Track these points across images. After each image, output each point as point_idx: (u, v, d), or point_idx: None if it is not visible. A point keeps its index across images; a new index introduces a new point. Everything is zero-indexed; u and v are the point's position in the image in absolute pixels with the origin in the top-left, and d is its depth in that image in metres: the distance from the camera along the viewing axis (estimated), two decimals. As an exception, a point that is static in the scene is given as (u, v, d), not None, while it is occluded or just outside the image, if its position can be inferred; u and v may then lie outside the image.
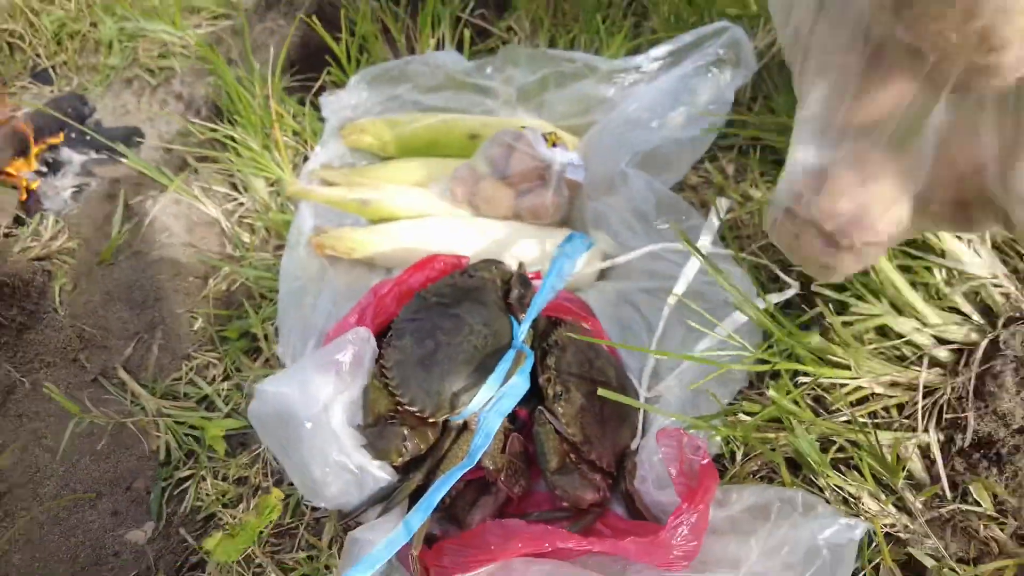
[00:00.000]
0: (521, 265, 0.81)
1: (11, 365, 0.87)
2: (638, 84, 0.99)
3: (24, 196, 1.40)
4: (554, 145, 0.92)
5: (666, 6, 1.28)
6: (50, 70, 1.76)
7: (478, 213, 0.94)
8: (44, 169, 1.51)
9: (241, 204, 1.03)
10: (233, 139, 1.04)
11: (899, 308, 0.70)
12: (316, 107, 1.12)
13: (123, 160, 1.48)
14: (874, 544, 0.61)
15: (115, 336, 0.91)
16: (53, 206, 1.43)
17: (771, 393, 0.65)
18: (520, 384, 0.69)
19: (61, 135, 1.57)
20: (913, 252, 0.71)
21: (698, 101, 0.93)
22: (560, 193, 0.92)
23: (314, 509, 0.73)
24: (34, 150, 1.49)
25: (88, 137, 1.60)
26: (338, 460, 0.63)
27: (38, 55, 1.77)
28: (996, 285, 0.70)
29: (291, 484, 0.73)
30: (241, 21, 1.52)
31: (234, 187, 1.07)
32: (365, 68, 1.07)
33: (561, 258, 0.78)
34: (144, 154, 1.53)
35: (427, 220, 0.93)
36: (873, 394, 0.70)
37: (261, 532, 0.68)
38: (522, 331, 0.71)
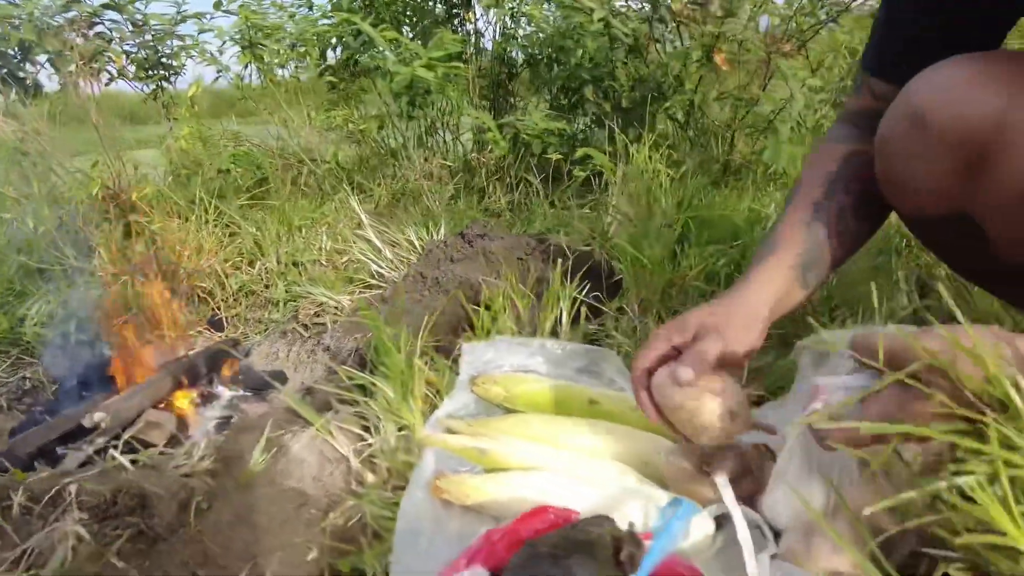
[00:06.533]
0: (631, 525, 0.82)
1: (139, 572, 0.92)
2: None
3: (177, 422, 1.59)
4: None
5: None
6: (224, 319, 2.07)
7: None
8: (199, 400, 1.72)
9: (370, 445, 1.13)
10: (374, 386, 1.18)
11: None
12: (447, 366, 1.26)
13: (267, 400, 1.66)
14: None
15: (235, 556, 0.96)
16: (198, 433, 1.59)
17: None
18: (628, 650, 0.66)
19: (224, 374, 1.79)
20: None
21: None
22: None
23: None
24: (186, 394, 1.69)
25: (240, 377, 1.82)
26: None
27: (217, 307, 2.10)
28: None
29: None
30: (390, 291, 1.78)
31: (365, 428, 1.18)
32: (502, 337, 1.23)
33: (672, 521, 0.79)
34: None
35: (539, 473, 0.97)
36: None
37: None
38: (633, 592, 0.71)
